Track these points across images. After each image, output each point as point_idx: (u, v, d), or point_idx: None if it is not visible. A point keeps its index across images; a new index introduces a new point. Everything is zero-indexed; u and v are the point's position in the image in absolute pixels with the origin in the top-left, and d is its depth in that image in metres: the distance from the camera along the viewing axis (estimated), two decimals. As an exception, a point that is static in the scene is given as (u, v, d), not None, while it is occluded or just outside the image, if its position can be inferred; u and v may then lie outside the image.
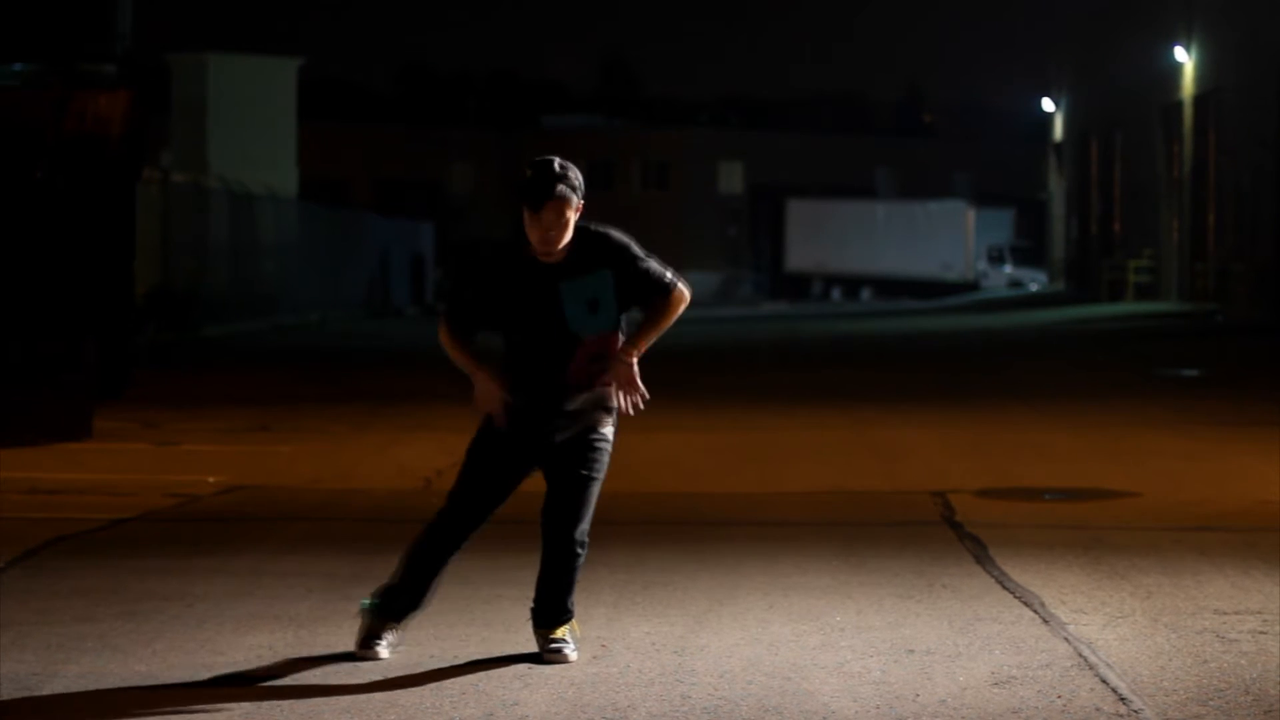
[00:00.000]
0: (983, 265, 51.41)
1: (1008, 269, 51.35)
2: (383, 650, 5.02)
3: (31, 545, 6.96)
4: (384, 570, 6.44)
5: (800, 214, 55.28)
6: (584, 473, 4.95)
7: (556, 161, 4.90)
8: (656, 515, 8.00)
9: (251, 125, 35.93)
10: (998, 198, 55.91)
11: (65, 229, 10.90)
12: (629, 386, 4.93)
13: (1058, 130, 47.71)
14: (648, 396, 4.96)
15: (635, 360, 4.95)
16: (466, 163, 61.23)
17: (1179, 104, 33.97)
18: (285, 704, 4.53)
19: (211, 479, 9.19)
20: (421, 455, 10.36)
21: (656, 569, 6.43)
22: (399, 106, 67.29)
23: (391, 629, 5.06)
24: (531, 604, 5.04)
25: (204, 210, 28.40)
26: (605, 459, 5.00)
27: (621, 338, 4.98)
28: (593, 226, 4.97)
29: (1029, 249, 52.39)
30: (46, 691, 4.65)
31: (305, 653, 5.09)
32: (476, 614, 5.63)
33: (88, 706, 4.54)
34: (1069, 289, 43.39)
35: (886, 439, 11.25)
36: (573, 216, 4.88)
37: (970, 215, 51.84)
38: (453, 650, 5.12)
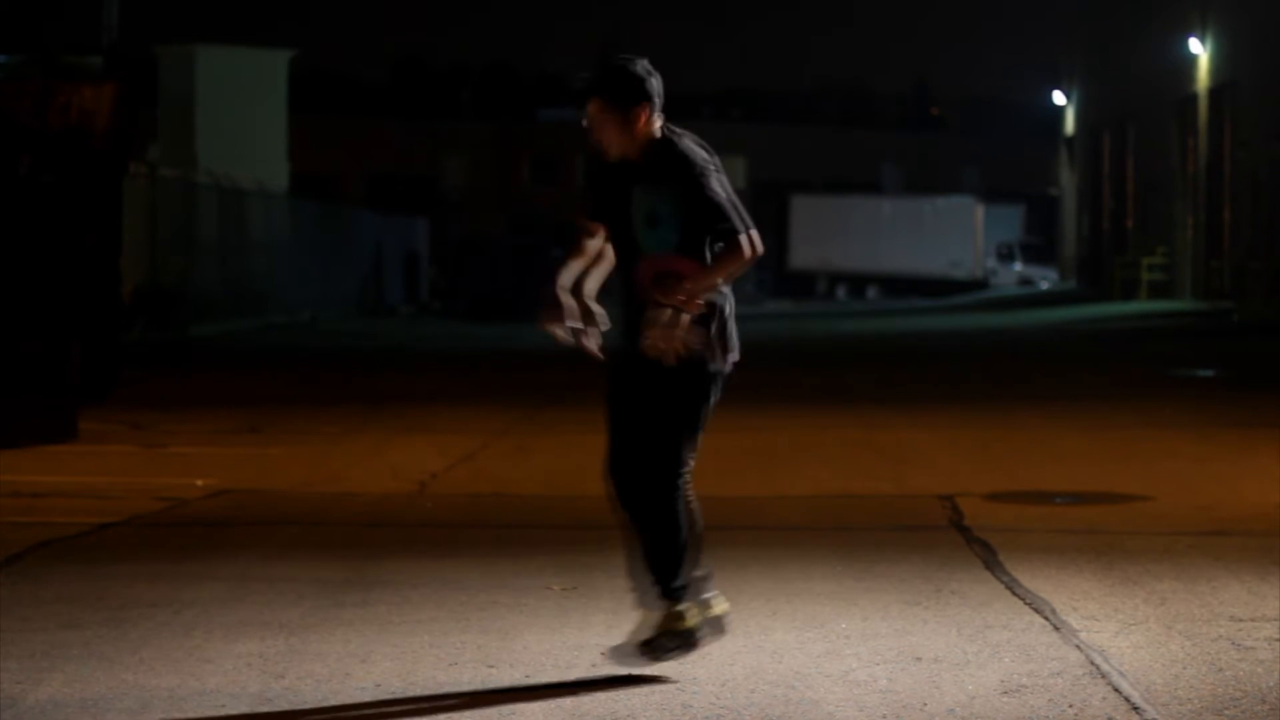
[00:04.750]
0: (992, 263, 51.36)
1: (1017, 266, 51.28)
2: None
3: (15, 550, 6.89)
4: (376, 576, 6.36)
5: (804, 210, 55.17)
6: (635, 405, 4.57)
7: (627, 62, 4.63)
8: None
9: (241, 119, 35.81)
10: (1007, 193, 55.85)
11: (49, 225, 10.80)
12: (655, 329, 4.45)
13: (1069, 124, 47.72)
14: (681, 352, 4.50)
15: (674, 302, 4.45)
16: (461, 157, 61.17)
17: (1194, 97, 33.91)
18: (276, 714, 4.45)
19: (200, 482, 9.11)
20: (415, 458, 10.27)
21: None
22: (392, 99, 67.25)
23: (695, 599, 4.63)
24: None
25: (192, 206, 28.28)
26: (665, 394, 4.52)
27: (691, 262, 4.54)
28: (673, 133, 4.65)
29: (1039, 246, 52.31)
30: (30, 700, 4.56)
31: (296, 661, 5.00)
32: (472, 620, 5.55)
33: (73, 717, 4.43)
34: (1080, 287, 43.39)
35: (893, 441, 11.17)
36: (613, 123, 4.58)
37: (979, 211, 51.75)
38: (449, 658, 5.03)
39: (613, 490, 4.74)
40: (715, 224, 4.58)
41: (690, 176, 4.57)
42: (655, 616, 4.71)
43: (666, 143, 4.65)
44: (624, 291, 4.72)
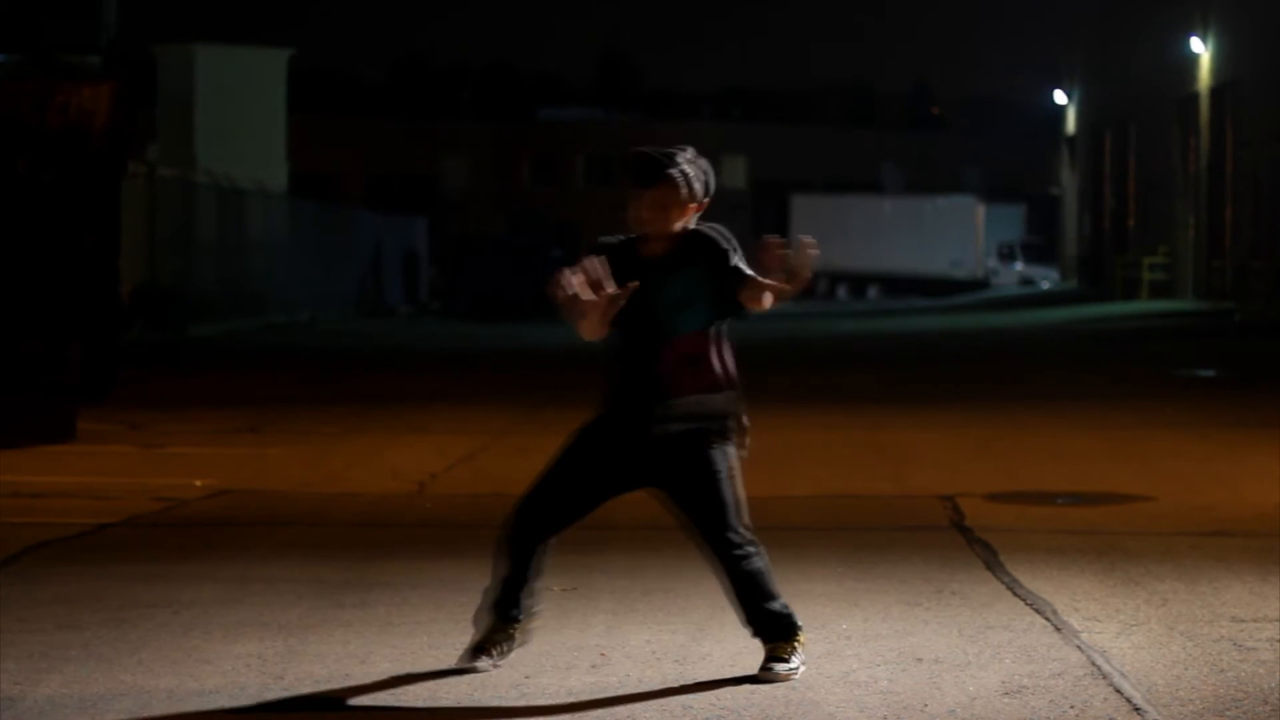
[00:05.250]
0: (993, 262, 51.28)
1: (1018, 266, 51.20)
2: (482, 664, 4.82)
3: (13, 551, 6.87)
4: (376, 577, 6.35)
5: (805, 210, 55.10)
6: (705, 471, 4.71)
7: (687, 151, 4.74)
8: (657, 519, 7.85)
9: (240, 118, 35.79)
10: (1008, 193, 55.76)
11: (48, 225, 10.78)
12: (783, 259, 4.58)
13: (1070, 123, 47.67)
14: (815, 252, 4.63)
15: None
16: (461, 157, 61.13)
17: (1195, 96, 33.88)
18: (274, 715, 4.43)
19: (199, 482, 9.09)
20: (414, 458, 10.25)
21: (657, 575, 6.32)
22: (392, 99, 67.24)
23: (501, 638, 4.83)
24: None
25: (191, 206, 28.27)
26: (724, 461, 4.74)
27: (717, 341, 4.75)
28: (696, 224, 4.78)
29: (1040, 246, 52.21)
30: (29, 701, 4.54)
31: (295, 662, 4.98)
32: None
33: (71, 718, 4.42)
34: (1082, 287, 43.34)
35: (894, 441, 11.15)
36: (679, 211, 4.69)
37: (980, 211, 51.69)
38: (448, 658, 5.01)
39: (518, 530, 4.84)
40: (741, 280, 4.72)
41: (720, 251, 4.74)
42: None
43: (694, 230, 4.78)
44: (637, 374, 4.74)
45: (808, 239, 4.75)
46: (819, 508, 8.33)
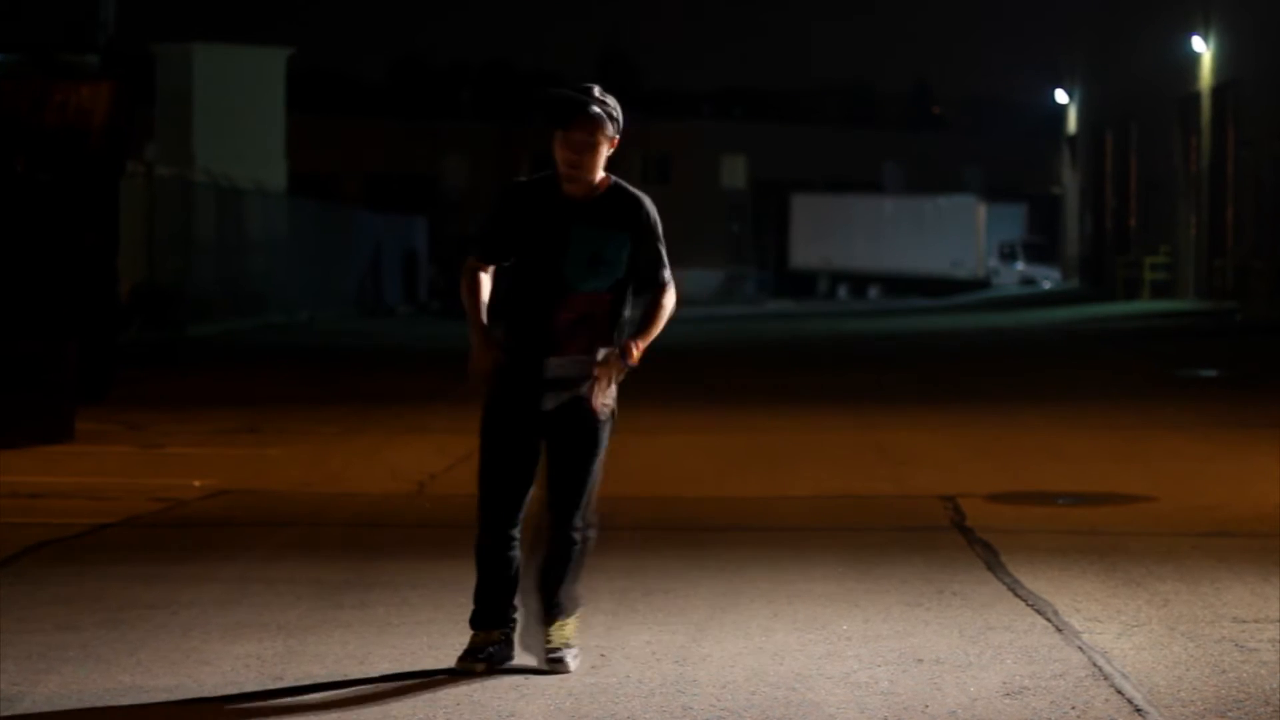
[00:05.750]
0: (994, 262, 51.16)
1: (1019, 266, 51.08)
2: (479, 666, 4.80)
3: (11, 551, 6.86)
4: (375, 577, 6.33)
5: (805, 209, 55.01)
6: (575, 447, 4.72)
7: (597, 88, 4.72)
8: (657, 520, 7.88)
9: (239, 117, 35.76)
10: (1009, 192, 55.61)
11: (46, 224, 10.76)
12: (605, 381, 4.65)
13: (1071, 123, 47.61)
14: (611, 408, 4.71)
15: (635, 356, 4.69)
16: (461, 156, 61.07)
17: (1196, 95, 33.82)
18: (273, 716, 4.41)
19: (197, 483, 9.07)
20: (414, 458, 10.24)
21: (657, 576, 6.30)
22: (391, 98, 67.15)
23: (492, 641, 4.81)
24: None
25: (190, 205, 28.25)
26: (600, 433, 4.74)
27: (616, 305, 4.69)
28: (630, 186, 4.75)
29: (1041, 245, 52.08)
30: (27, 703, 4.53)
31: (295, 662, 4.97)
32: (471, 622, 5.50)
33: (70, 718, 4.41)
34: (1083, 287, 43.25)
35: (894, 441, 11.14)
36: (605, 147, 4.66)
37: (981, 210, 51.59)
38: (447, 659, 5.00)
39: (490, 532, 4.81)
40: (658, 271, 4.73)
41: (651, 231, 4.70)
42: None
43: (619, 186, 4.73)
44: (530, 323, 4.70)
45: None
46: (820, 508, 8.31)
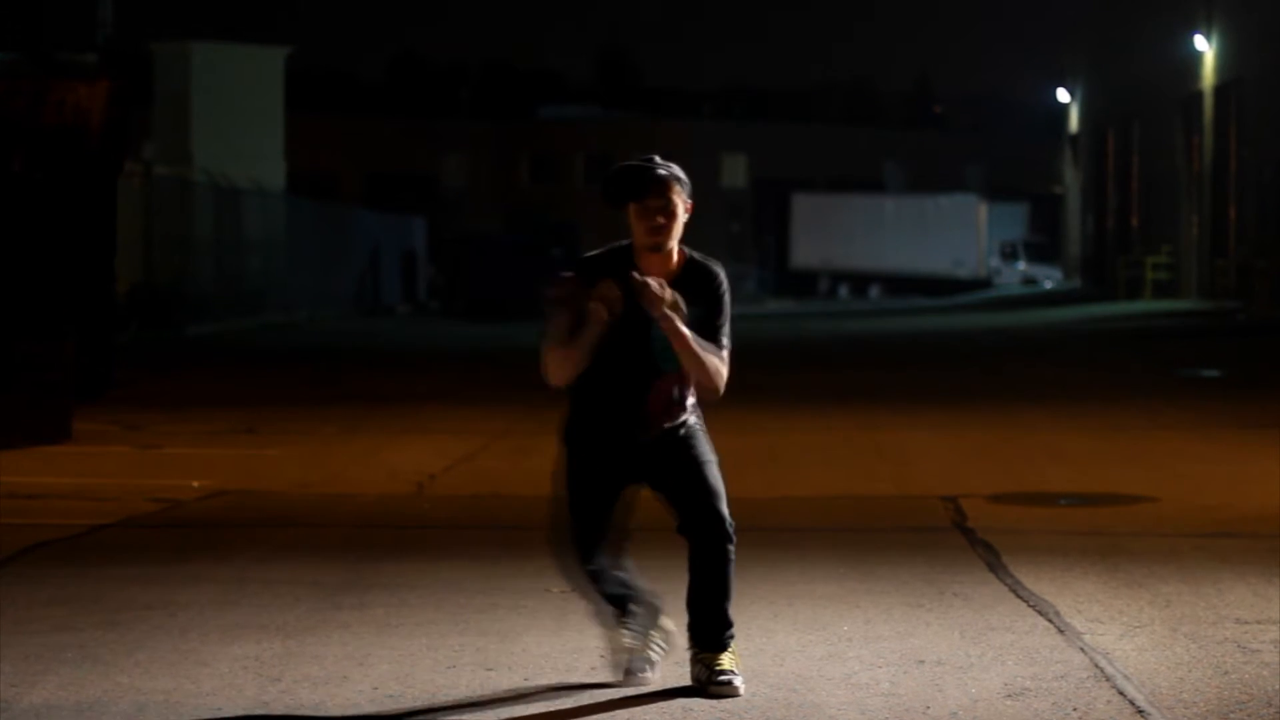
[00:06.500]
0: (995, 262, 51.06)
1: (1021, 265, 50.98)
2: (649, 664, 4.67)
3: (8, 552, 6.85)
4: (374, 578, 6.32)
5: (806, 208, 54.90)
6: (692, 454, 4.63)
7: (656, 157, 4.62)
8: (657, 520, 7.83)
9: (237, 117, 35.74)
10: (1011, 192, 55.52)
11: (44, 224, 10.73)
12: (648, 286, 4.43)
13: (1073, 122, 47.58)
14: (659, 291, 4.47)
15: (666, 304, 4.46)
16: (460, 155, 61.02)
17: (1199, 94, 33.79)
18: (272, 717, 4.40)
19: (195, 483, 9.06)
20: (413, 459, 10.22)
21: (656, 576, 6.26)
22: (390, 97, 67.14)
23: (630, 634, 4.68)
24: (687, 622, 4.70)
25: (188, 205, 28.24)
26: (704, 439, 4.68)
27: (689, 382, 4.61)
28: (703, 258, 4.63)
29: (1043, 245, 52.01)
30: (25, 704, 4.52)
31: (293, 664, 4.95)
32: (471, 623, 5.51)
33: (65, 723, 4.39)
34: (1085, 286, 43.22)
35: (896, 442, 11.12)
36: (682, 212, 4.53)
37: (982, 210, 51.49)
38: (447, 661, 4.98)
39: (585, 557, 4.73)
40: (716, 339, 4.61)
41: (719, 302, 4.61)
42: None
43: (705, 265, 4.61)
44: (620, 406, 4.61)
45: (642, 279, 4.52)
46: (820, 508, 8.30)
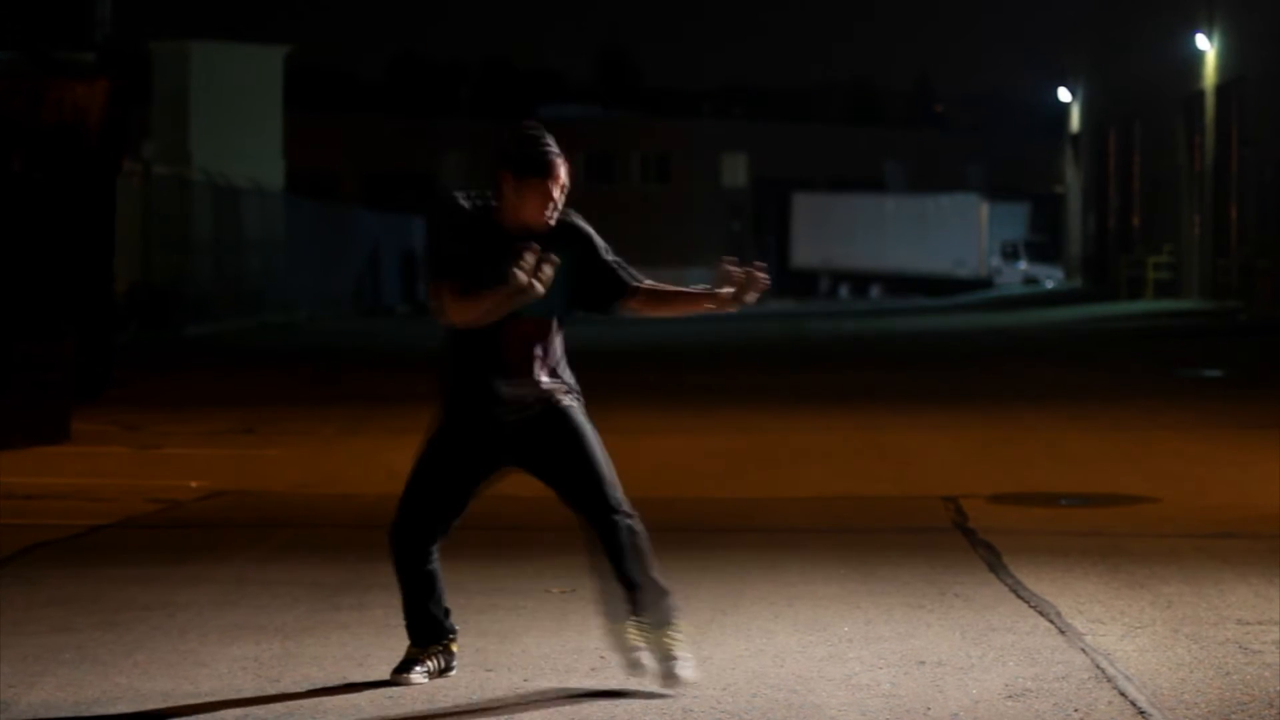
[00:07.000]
0: (996, 261, 51.01)
1: (1022, 265, 50.93)
2: (416, 677, 4.72)
3: (6, 553, 6.85)
4: (372, 579, 6.30)
5: (806, 208, 54.83)
6: (572, 435, 4.66)
7: (539, 128, 4.71)
8: (656, 521, 7.77)
9: (236, 116, 35.71)
10: (1012, 191, 55.42)
11: (42, 223, 10.72)
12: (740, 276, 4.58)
13: (1074, 121, 47.51)
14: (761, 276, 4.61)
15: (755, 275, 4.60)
16: (460, 155, 61.00)
17: (1200, 94, 33.74)
18: (270, 718, 4.39)
19: (194, 484, 9.05)
20: (412, 459, 10.17)
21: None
22: (389, 97, 67.13)
23: (428, 656, 4.75)
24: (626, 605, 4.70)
25: (187, 204, 28.21)
26: (585, 420, 4.70)
27: (557, 331, 4.68)
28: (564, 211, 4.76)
29: (1044, 244, 51.94)
30: (23, 704, 4.51)
31: (292, 665, 4.94)
32: (471, 623, 5.49)
33: (64, 724, 4.38)
34: (1086, 286, 43.15)
35: (896, 442, 11.12)
36: (543, 199, 4.63)
37: (983, 209, 51.45)
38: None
39: (402, 546, 4.80)
40: (620, 279, 4.70)
41: (594, 247, 4.70)
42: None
43: (563, 218, 4.71)
44: (482, 357, 4.66)
45: (761, 265, 4.69)
46: (820, 509, 8.30)
